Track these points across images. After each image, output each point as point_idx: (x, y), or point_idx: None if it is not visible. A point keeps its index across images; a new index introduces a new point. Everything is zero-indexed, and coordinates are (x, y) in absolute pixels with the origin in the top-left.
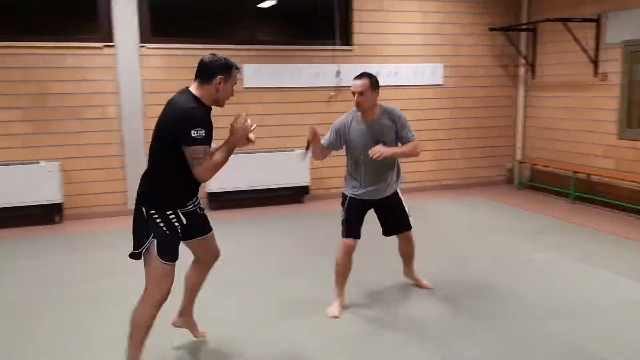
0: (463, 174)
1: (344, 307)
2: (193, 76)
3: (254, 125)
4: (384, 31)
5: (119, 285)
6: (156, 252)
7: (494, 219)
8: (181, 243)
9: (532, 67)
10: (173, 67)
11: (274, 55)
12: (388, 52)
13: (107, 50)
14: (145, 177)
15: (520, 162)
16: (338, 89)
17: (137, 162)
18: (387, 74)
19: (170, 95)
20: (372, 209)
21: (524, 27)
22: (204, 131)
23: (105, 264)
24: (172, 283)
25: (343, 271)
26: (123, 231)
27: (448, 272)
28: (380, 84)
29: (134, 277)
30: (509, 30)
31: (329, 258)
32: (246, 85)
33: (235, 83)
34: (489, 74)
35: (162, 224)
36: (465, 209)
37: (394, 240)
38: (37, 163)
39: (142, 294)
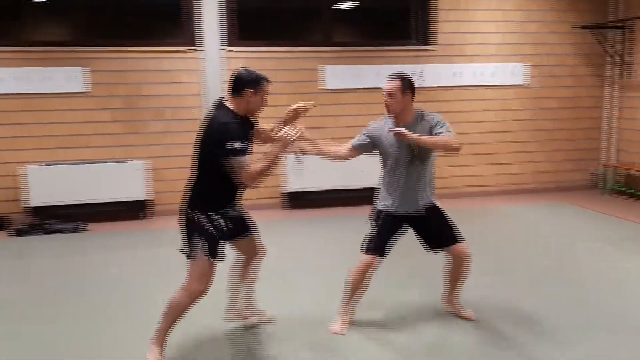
0: (545, 178)
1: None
2: (275, 78)
3: (297, 133)
4: (465, 30)
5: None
6: (201, 250)
7: (579, 225)
8: (227, 245)
9: (624, 66)
10: (256, 69)
11: (354, 57)
12: (469, 51)
13: (193, 54)
14: (191, 183)
15: (606, 166)
16: (419, 89)
17: None
18: (469, 73)
19: None
20: (410, 228)
21: (613, 24)
22: (239, 143)
23: (181, 261)
24: (210, 281)
25: (355, 287)
26: None
27: (528, 283)
28: (463, 84)
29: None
30: (596, 28)
31: (403, 261)
32: (323, 87)
33: (266, 95)
34: (574, 73)
35: (207, 225)
36: (548, 214)
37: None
38: (126, 161)
39: (182, 285)
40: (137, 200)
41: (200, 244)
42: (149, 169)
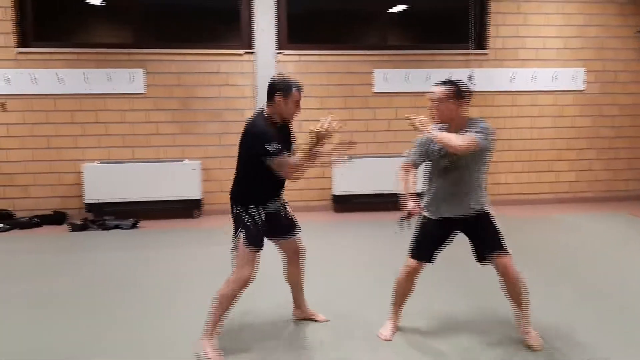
0: (604, 186)
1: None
2: (324, 81)
3: (328, 130)
4: (522, 34)
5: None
6: (242, 241)
7: (637, 236)
8: (269, 241)
9: None
10: (307, 73)
11: (405, 60)
12: (525, 56)
13: (246, 57)
14: (234, 180)
15: None
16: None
17: None
18: (524, 78)
19: (303, 100)
20: (462, 233)
21: None
22: (275, 144)
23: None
24: (253, 270)
25: (402, 292)
26: None
27: (578, 296)
28: (516, 89)
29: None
30: None
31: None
32: (375, 90)
33: (298, 100)
34: (636, 79)
35: (246, 218)
36: (604, 224)
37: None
38: (181, 161)
39: (228, 276)
40: (191, 199)
41: (241, 235)
42: (202, 169)
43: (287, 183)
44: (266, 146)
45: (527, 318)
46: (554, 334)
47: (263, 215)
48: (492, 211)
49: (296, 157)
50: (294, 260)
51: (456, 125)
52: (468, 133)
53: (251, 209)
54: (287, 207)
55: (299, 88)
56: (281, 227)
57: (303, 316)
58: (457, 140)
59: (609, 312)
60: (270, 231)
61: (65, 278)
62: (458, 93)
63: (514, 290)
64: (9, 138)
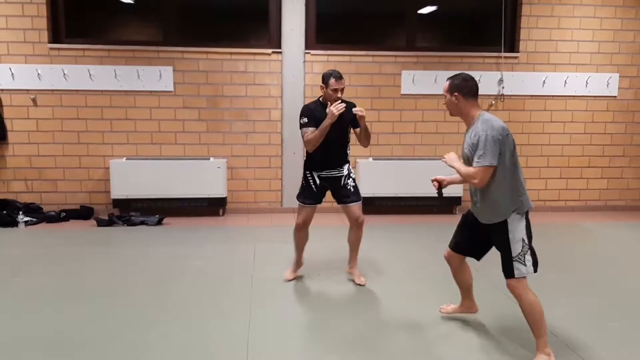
0: (636, 195)
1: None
2: (352, 82)
3: (338, 110)
4: (554, 38)
5: (269, 275)
6: (297, 195)
7: None
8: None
9: None
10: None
11: (434, 62)
12: (557, 59)
13: (274, 57)
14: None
15: None
16: (500, 97)
17: (294, 164)
18: (556, 83)
19: None
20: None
21: None
22: (306, 119)
23: (260, 256)
24: (304, 219)
25: (455, 278)
26: (277, 227)
27: (607, 306)
28: (548, 93)
29: (282, 267)
30: None
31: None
32: (403, 92)
33: (335, 87)
34: None
35: (303, 181)
36: (636, 234)
37: None
38: (207, 159)
39: None
40: (217, 197)
41: (299, 192)
42: (228, 167)
43: (344, 157)
44: (300, 120)
45: (540, 349)
46: (574, 344)
47: (318, 180)
48: (518, 222)
49: (314, 132)
50: (352, 226)
51: (466, 120)
52: (474, 159)
53: (307, 174)
54: (349, 179)
55: (336, 76)
56: (339, 194)
57: (350, 272)
58: (469, 177)
59: (633, 325)
60: (333, 195)
61: (93, 272)
62: (453, 86)
63: (525, 314)
64: (39, 132)
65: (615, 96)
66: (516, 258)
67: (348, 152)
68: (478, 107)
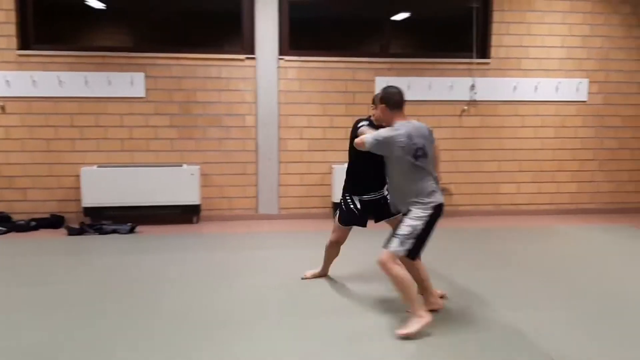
0: (606, 198)
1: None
2: (326, 88)
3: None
4: (525, 44)
5: (245, 282)
6: (336, 217)
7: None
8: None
9: None
10: (308, 79)
11: (407, 68)
12: (528, 65)
13: (248, 62)
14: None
15: None
16: (472, 102)
17: (269, 170)
18: (526, 88)
19: (304, 106)
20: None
21: None
22: (364, 127)
23: (235, 264)
24: (338, 238)
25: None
26: (253, 234)
27: (584, 308)
28: (519, 98)
29: (258, 274)
30: None
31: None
32: None
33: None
34: None
35: (342, 202)
36: (607, 237)
37: None
38: (180, 166)
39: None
40: (190, 205)
41: (337, 212)
42: (201, 174)
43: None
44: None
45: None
46: (548, 338)
47: (357, 204)
48: (418, 213)
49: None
50: None
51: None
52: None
53: (347, 196)
54: (383, 197)
55: (378, 96)
56: (382, 213)
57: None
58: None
59: (604, 323)
60: (374, 215)
61: (63, 282)
62: (380, 100)
63: (394, 286)
64: (8, 140)
65: (585, 101)
66: (398, 235)
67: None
68: (403, 116)
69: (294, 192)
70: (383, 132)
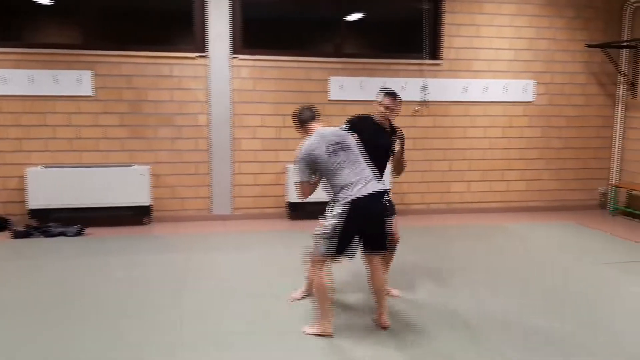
0: (552, 196)
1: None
2: (280, 87)
3: None
4: (474, 46)
5: (195, 284)
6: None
7: (584, 246)
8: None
9: (632, 86)
10: (261, 78)
11: (360, 68)
12: (477, 67)
13: (200, 61)
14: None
15: (616, 186)
16: (423, 103)
17: (223, 170)
18: (476, 89)
19: (257, 105)
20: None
21: (625, 44)
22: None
23: (186, 265)
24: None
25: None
26: (206, 235)
27: (531, 303)
28: (469, 99)
29: (213, 278)
30: (607, 47)
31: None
32: (331, 98)
33: (386, 105)
34: (584, 92)
35: None
36: (553, 234)
37: None
38: (130, 166)
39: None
40: (141, 206)
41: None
42: (152, 174)
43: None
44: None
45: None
46: (502, 332)
47: None
48: (333, 211)
49: None
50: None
51: None
52: None
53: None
54: None
55: (387, 94)
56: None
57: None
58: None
59: (554, 315)
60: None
61: (8, 286)
62: (296, 117)
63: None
64: None
65: (532, 102)
66: (314, 235)
67: None
68: (315, 127)
69: (248, 192)
70: (298, 155)
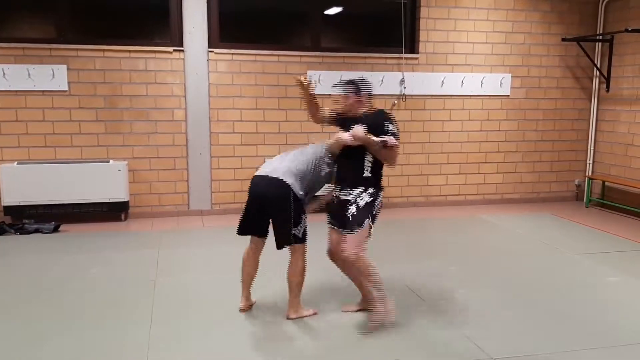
0: (528, 188)
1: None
2: (258, 81)
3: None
4: (451, 40)
5: (172, 280)
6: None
7: (559, 237)
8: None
9: (606, 79)
10: (239, 72)
11: (338, 62)
12: (454, 61)
13: (176, 55)
14: None
15: (590, 178)
16: (401, 97)
17: (201, 165)
18: (454, 83)
19: (236, 99)
20: None
21: (599, 37)
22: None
23: (164, 262)
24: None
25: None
26: (184, 231)
27: (507, 294)
28: (446, 93)
29: (189, 274)
30: (582, 40)
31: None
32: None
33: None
34: (560, 85)
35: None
36: (529, 225)
37: None
38: (107, 162)
39: None
40: (117, 202)
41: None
42: (129, 170)
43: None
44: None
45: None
46: (478, 323)
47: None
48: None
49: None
50: None
51: None
52: None
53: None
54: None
55: (337, 87)
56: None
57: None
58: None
59: (530, 305)
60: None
61: None
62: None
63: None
64: None
65: (508, 95)
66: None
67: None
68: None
69: (227, 186)
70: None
